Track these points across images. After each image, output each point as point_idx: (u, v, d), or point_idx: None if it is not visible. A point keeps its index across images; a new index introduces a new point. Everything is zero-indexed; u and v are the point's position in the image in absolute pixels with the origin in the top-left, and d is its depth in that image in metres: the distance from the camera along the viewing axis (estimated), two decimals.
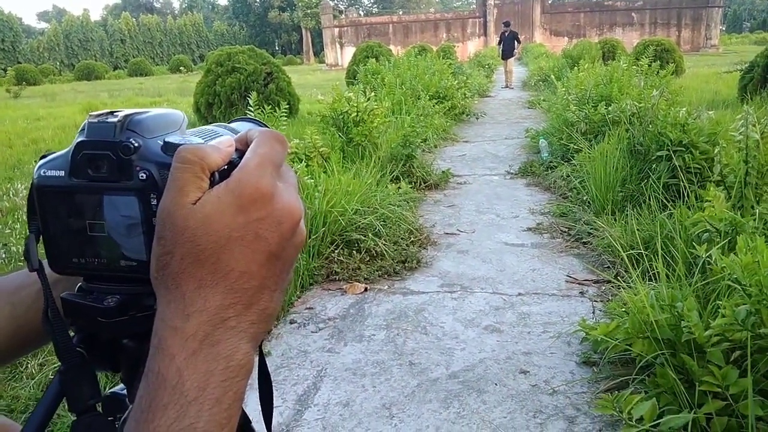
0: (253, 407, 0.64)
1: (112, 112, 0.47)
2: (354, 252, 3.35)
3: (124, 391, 0.56)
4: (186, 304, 0.38)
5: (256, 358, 0.56)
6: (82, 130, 0.47)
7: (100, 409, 0.51)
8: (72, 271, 0.49)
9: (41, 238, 0.48)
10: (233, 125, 0.61)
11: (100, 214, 0.47)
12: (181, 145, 0.45)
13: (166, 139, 0.46)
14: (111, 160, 0.45)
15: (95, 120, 0.47)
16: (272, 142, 0.42)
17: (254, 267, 0.39)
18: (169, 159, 0.46)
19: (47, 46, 53.82)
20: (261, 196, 0.39)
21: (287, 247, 0.40)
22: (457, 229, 3.98)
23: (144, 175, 0.45)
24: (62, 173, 0.47)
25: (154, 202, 0.45)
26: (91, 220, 0.47)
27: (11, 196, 5.31)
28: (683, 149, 3.57)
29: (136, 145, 0.45)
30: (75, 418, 0.49)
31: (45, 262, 0.49)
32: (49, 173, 0.48)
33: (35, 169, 0.48)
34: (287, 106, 5.03)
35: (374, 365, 2.33)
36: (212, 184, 0.41)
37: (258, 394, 0.61)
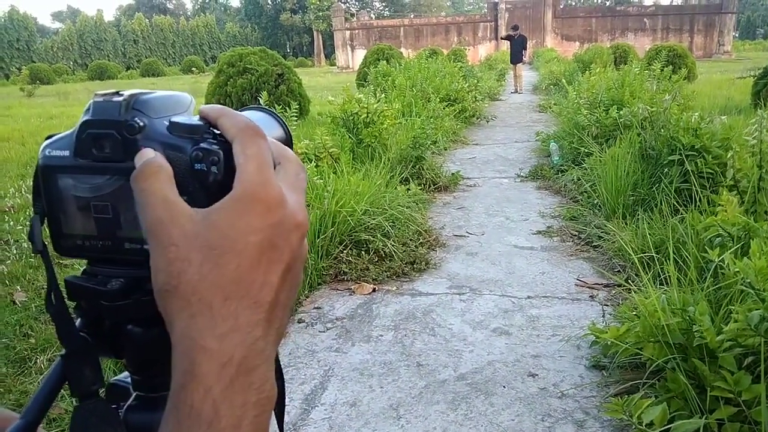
0: None
1: (117, 92, 0.47)
2: (363, 252, 3.34)
3: (128, 379, 0.56)
4: (216, 320, 0.34)
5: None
6: (88, 109, 0.47)
7: (102, 395, 0.50)
8: (76, 254, 0.49)
9: (46, 219, 0.48)
10: (245, 113, 0.61)
11: (104, 195, 0.46)
12: (186, 124, 0.44)
13: (172, 120, 0.46)
14: (116, 139, 0.45)
15: (101, 99, 0.46)
16: (255, 139, 0.39)
17: (273, 278, 0.36)
18: (175, 139, 0.45)
19: (61, 45, 54.28)
20: (273, 201, 0.36)
21: (296, 258, 0.37)
22: (467, 232, 3.97)
23: None
24: (67, 153, 0.47)
25: None
26: (96, 202, 0.46)
27: (23, 192, 5.35)
28: (695, 154, 3.54)
29: (141, 124, 0.45)
30: (76, 404, 0.48)
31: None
32: (54, 153, 0.47)
33: (40, 149, 0.48)
34: (297, 107, 5.04)
35: (382, 366, 2.33)
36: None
37: None
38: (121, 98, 0.46)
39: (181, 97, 0.51)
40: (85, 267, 0.50)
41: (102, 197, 0.46)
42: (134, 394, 0.55)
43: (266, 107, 0.66)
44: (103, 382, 0.50)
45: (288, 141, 0.68)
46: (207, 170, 0.45)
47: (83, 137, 0.46)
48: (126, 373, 0.57)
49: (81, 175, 0.47)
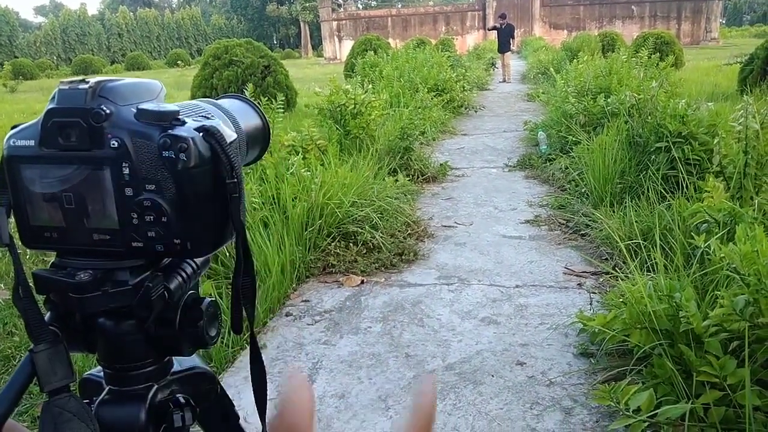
0: (248, 400, 0.63)
1: (83, 79, 0.45)
2: (351, 244, 3.33)
3: (101, 374, 0.55)
4: None
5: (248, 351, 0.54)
6: (53, 97, 0.45)
7: (74, 390, 0.49)
8: (43, 246, 0.47)
9: (12, 211, 0.47)
10: (221, 102, 0.60)
11: (71, 185, 0.45)
12: (154, 111, 0.43)
13: (140, 107, 0.44)
14: (81, 127, 0.43)
15: (66, 87, 0.45)
16: None
17: None
18: (143, 126, 0.44)
19: (44, 40, 53.59)
20: None
21: None
22: (455, 222, 3.96)
23: (116, 143, 0.43)
24: (32, 143, 0.45)
25: (127, 171, 0.43)
26: (63, 192, 0.45)
27: None
28: (682, 141, 3.55)
29: (107, 111, 0.43)
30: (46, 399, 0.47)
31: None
32: (19, 143, 0.46)
33: (5, 139, 0.46)
34: (284, 99, 5.00)
35: (370, 357, 2.32)
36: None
37: (252, 386, 0.60)
38: (86, 86, 0.45)
39: (149, 84, 0.50)
40: (54, 260, 0.49)
41: (69, 187, 0.45)
42: (107, 389, 0.54)
43: (243, 96, 0.65)
44: (74, 376, 0.48)
45: (266, 129, 0.66)
46: (175, 157, 0.43)
47: (48, 126, 0.45)
48: (100, 368, 0.55)
49: (47, 165, 0.45)
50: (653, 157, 3.68)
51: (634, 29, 31.38)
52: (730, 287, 1.91)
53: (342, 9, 41.72)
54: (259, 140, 0.63)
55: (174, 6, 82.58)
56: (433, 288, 2.93)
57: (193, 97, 9.57)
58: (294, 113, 8.70)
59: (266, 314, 2.68)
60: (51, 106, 0.45)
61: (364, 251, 3.30)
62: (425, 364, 2.25)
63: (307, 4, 46.39)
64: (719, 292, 1.86)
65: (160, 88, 0.51)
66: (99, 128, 0.44)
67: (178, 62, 38.50)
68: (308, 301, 2.86)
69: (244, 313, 0.53)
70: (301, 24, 50.03)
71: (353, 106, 5.21)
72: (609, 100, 5.25)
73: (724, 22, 57.66)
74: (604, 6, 35.64)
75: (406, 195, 4.33)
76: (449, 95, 9.07)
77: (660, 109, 3.93)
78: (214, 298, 0.55)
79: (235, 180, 0.46)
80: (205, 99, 0.57)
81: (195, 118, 0.48)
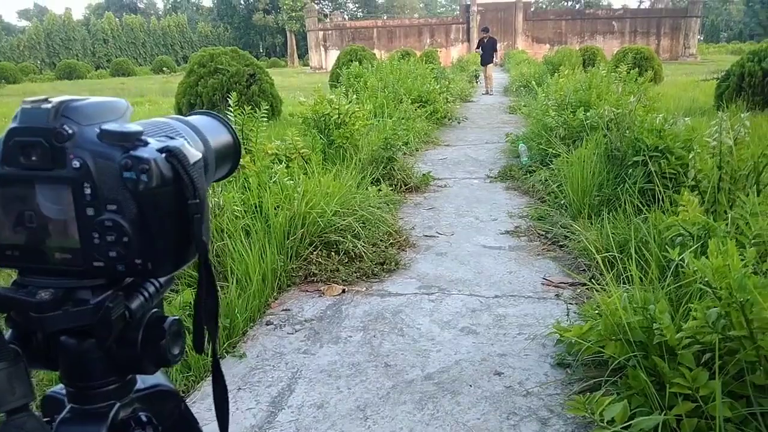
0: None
1: (46, 99, 0.46)
2: (332, 253, 3.33)
3: (64, 391, 0.55)
4: None
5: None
6: (16, 117, 0.45)
7: (35, 409, 0.49)
8: (5, 264, 0.47)
9: None
10: (191, 119, 0.60)
11: (32, 205, 0.45)
12: (116, 132, 0.44)
13: (103, 127, 0.45)
14: (44, 147, 0.44)
15: (29, 106, 0.45)
16: None
17: None
18: (105, 147, 0.44)
19: (28, 44, 53.00)
20: None
21: None
22: (437, 232, 3.99)
23: (78, 164, 0.43)
24: None
25: (89, 191, 0.43)
26: (24, 211, 0.45)
27: None
28: (659, 155, 3.61)
29: (70, 131, 0.44)
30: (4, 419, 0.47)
31: None
32: None
33: None
34: (268, 108, 5.00)
35: (350, 367, 2.32)
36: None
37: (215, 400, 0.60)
38: (49, 105, 0.45)
39: (114, 103, 0.50)
40: (15, 278, 0.49)
41: (29, 207, 0.45)
42: (69, 407, 0.54)
43: (214, 113, 0.65)
44: (35, 395, 0.48)
45: (236, 146, 0.66)
46: (137, 178, 0.44)
47: (10, 145, 0.45)
48: (62, 385, 0.55)
49: (7, 184, 0.45)
50: (630, 170, 3.74)
51: (614, 44, 31.87)
52: (703, 300, 1.94)
53: (328, 19, 41.87)
54: (229, 157, 0.64)
55: (160, 13, 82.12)
56: (414, 298, 2.95)
57: (177, 104, 9.51)
58: (278, 122, 8.69)
59: (246, 323, 2.67)
60: (13, 125, 0.45)
61: (346, 260, 3.31)
62: (404, 373, 2.26)
63: (294, 14, 46.46)
64: (692, 305, 1.89)
65: (126, 107, 0.51)
66: (61, 148, 0.44)
67: (164, 69, 38.25)
68: (289, 310, 2.85)
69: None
70: (288, 33, 50.07)
71: (337, 116, 5.23)
72: (588, 113, 5.33)
73: (702, 38, 58.72)
74: (586, 21, 36.21)
75: (388, 205, 4.35)
76: (433, 106, 9.13)
77: (638, 123, 4.00)
78: (178, 317, 0.56)
79: (198, 200, 0.46)
80: (174, 116, 0.57)
81: (159, 138, 0.48)
